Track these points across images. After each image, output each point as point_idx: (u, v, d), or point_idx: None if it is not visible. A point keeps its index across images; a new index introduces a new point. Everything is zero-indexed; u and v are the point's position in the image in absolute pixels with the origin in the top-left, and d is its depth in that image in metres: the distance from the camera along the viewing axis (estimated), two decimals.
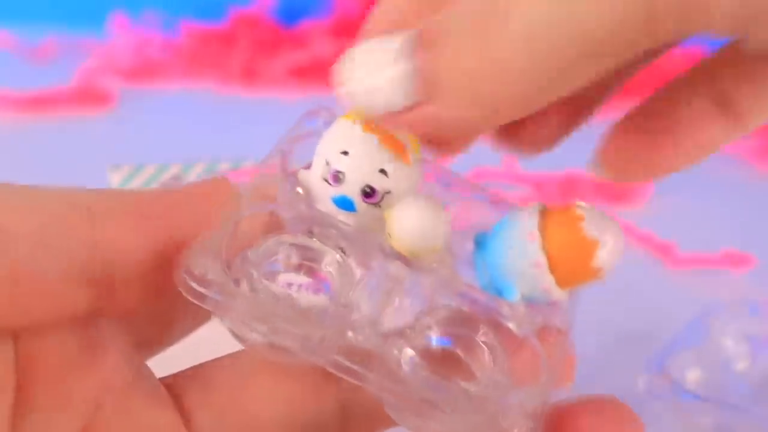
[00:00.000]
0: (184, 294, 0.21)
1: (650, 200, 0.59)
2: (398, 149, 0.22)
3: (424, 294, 0.23)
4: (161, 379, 0.24)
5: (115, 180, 0.49)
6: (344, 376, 0.21)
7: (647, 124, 0.24)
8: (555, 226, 0.22)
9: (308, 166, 0.24)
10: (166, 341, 0.25)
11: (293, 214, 0.23)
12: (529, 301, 0.23)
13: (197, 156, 0.50)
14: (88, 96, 0.66)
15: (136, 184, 0.49)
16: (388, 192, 0.23)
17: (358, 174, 0.22)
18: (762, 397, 0.44)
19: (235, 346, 0.24)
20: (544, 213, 0.23)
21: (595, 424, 0.22)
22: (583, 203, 0.23)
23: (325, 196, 0.23)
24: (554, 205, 0.23)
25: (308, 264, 0.23)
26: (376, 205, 0.23)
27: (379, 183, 0.22)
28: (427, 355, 0.22)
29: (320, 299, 0.22)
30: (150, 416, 0.23)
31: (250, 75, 0.70)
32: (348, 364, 0.21)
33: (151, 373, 0.24)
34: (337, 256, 0.23)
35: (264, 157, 0.24)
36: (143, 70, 0.70)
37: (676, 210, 0.59)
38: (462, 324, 0.23)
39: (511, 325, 0.23)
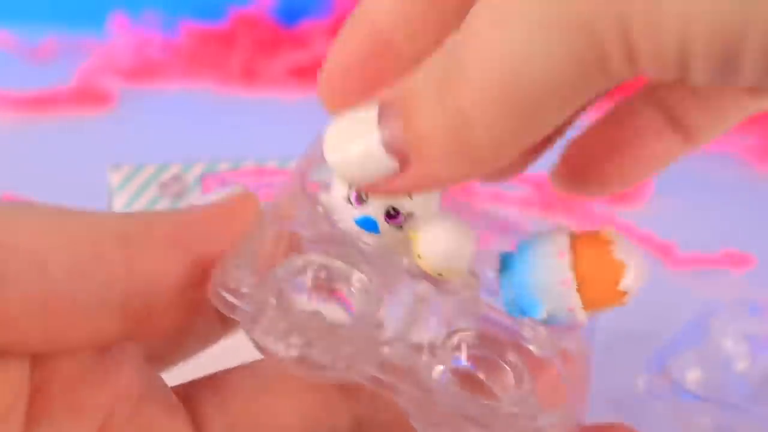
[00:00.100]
0: (218, 307, 0.22)
1: (650, 200, 0.59)
2: None
3: (449, 315, 0.23)
4: (174, 388, 0.24)
5: (115, 180, 0.49)
6: (379, 390, 0.21)
7: (600, 140, 0.25)
8: (585, 247, 0.22)
9: (326, 188, 0.24)
10: (175, 360, 0.25)
11: (315, 234, 0.23)
12: (552, 322, 0.23)
13: (197, 156, 0.50)
14: (88, 96, 0.66)
15: (135, 184, 0.49)
16: (411, 214, 0.23)
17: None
18: (762, 397, 0.44)
19: (249, 358, 0.24)
20: (572, 235, 0.23)
21: None
22: (611, 230, 0.23)
23: (347, 217, 0.23)
24: (581, 230, 0.23)
25: (333, 284, 0.23)
26: (399, 226, 0.23)
27: (402, 204, 0.23)
28: (456, 373, 0.23)
29: (348, 318, 0.23)
30: (162, 425, 0.23)
31: (250, 75, 0.70)
32: (384, 377, 0.21)
33: (163, 383, 0.24)
34: (362, 276, 0.23)
35: (283, 180, 0.25)
36: (143, 70, 0.70)
37: (676, 210, 0.59)
38: (488, 346, 0.23)
39: (532, 348, 0.23)
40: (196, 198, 0.24)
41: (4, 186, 0.55)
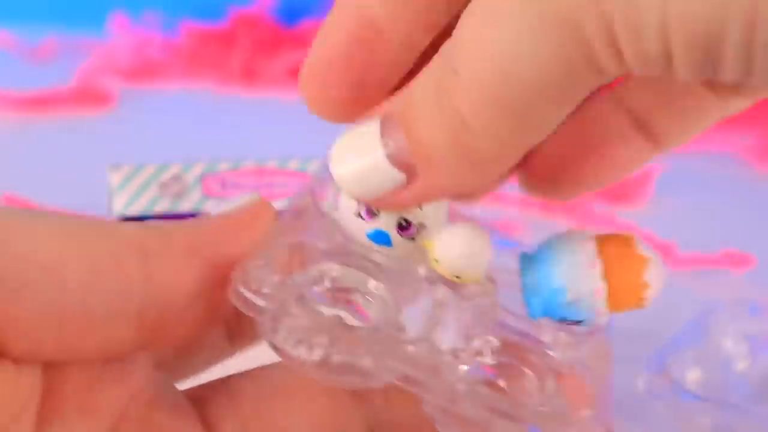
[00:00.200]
0: (239, 307, 0.22)
1: (650, 200, 0.59)
2: None
3: (468, 322, 0.23)
4: (186, 391, 0.24)
5: (115, 180, 0.49)
6: (407, 388, 0.21)
7: (567, 143, 0.24)
8: (613, 254, 0.23)
9: (335, 204, 0.24)
10: (183, 373, 0.25)
11: (330, 246, 0.23)
12: (575, 323, 0.23)
13: (197, 156, 0.50)
14: (88, 96, 0.66)
15: (135, 184, 0.49)
16: (423, 225, 0.23)
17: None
18: (762, 397, 0.44)
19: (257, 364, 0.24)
20: (598, 240, 0.23)
21: None
22: (629, 233, 0.23)
23: (358, 231, 0.23)
24: (601, 233, 0.23)
25: (349, 294, 0.23)
26: (412, 238, 0.23)
27: (414, 216, 0.23)
28: (480, 378, 0.23)
29: (367, 325, 0.23)
30: (173, 428, 0.23)
31: (250, 75, 0.70)
32: (412, 372, 0.21)
33: (174, 386, 0.24)
34: (379, 284, 0.23)
35: (293, 197, 0.25)
36: (143, 70, 0.70)
37: (676, 210, 0.59)
38: (509, 352, 0.23)
39: (553, 353, 0.23)
40: (213, 207, 0.24)
41: (4, 186, 0.55)
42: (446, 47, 0.20)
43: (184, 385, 0.25)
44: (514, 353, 0.23)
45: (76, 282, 0.20)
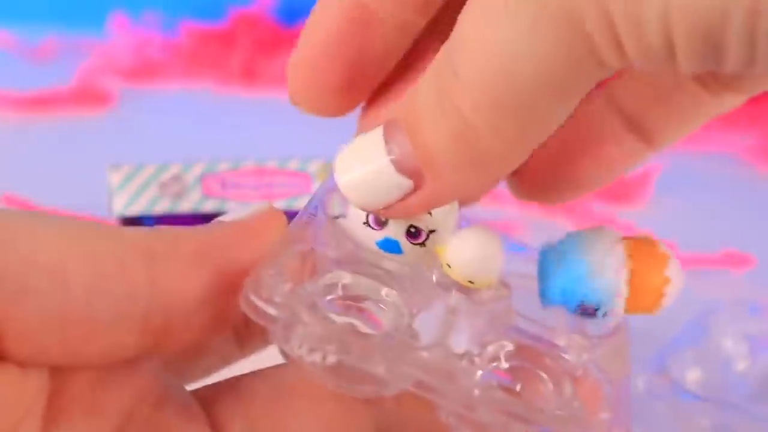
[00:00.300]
0: (249, 315, 0.21)
1: (650, 200, 0.59)
2: None
3: (482, 327, 0.23)
4: (193, 391, 0.24)
5: (115, 180, 0.49)
6: (423, 395, 0.21)
7: (558, 145, 0.24)
8: (640, 259, 0.22)
9: (341, 215, 0.23)
10: (191, 377, 0.25)
11: (340, 254, 0.23)
12: (592, 311, 0.23)
13: (197, 156, 0.50)
14: (88, 96, 0.66)
15: (136, 184, 0.49)
16: (433, 230, 0.23)
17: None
18: (762, 397, 0.44)
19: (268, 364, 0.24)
20: (626, 244, 0.22)
21: None
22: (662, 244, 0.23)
23: (368, 240, 0.23)
24: (632, 236, 0.23)
25: (361, 302, 0.23)
26: (422, 244, 0.23)
27: (423, 222, 0.22)
28: (496, 383, 0.22)
29: (380, 332, 0.22)
30: (180, 428, 0.23)
31: (250, 75, 0.70)
32: (426, 378, 0.21)
33: (182, 386, 0.24)
34: (391, 291, 0.23)
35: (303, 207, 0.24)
36: (143, 70, 0.70)
37: (676, 210, 0.59)
38: (524, 356, 0.23)
39: (568, 357, 0.23)
40: (224, 215, 0.24)
41: (4, 186, 0.55)
42: (446, 48, 0.20)
43: (192, 386, 0.24)
44: (530, 357, 0.23)
45: (79, 285, 0.20)
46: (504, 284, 0.24)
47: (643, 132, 0.24)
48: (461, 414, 0.21)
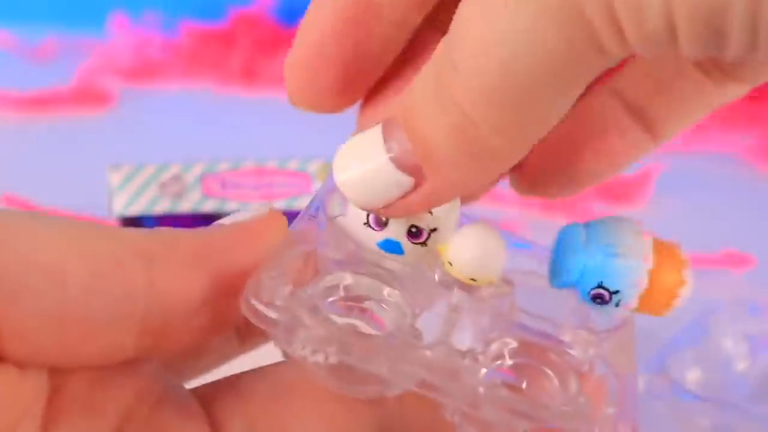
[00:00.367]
0: (250, 318, 0.21)
1: (650, 200, 0.59)
2: None
3: (485, 324, 0.23)
4: (192, 390, 0.24)
5: (115, 180, 0.49)
6: (426, 394, 0.21)
7: (560, 137, 0.24)
8: (664, 258, 0.22)
9: (341, 214, 0.23)
10: (192, 374, 0.25)
11: (342, 255, 0.23)
12: (609, 295, 0.22)
13: (197, 156, 0.50)
14: (88, 96, 0.66)
15: (136, 184, 0.49)
16: (435, 229, 0.22)
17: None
18: (762, 397, 0.44)
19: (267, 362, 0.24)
20: (653, 239, 0.23)
21: None
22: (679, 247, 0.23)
23: (368, 241, 0.23)
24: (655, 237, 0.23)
25: (363, 303, 0.23)
26: (423, 243, 0.22)
27: (424, 221, 0.22)
28: (500, 381, 0.22)
29: (383, 332, 0.22)
30: (180, 427, 0.22)
31: (250, 75, 0.70)
32: (430, 377, 0.21)
33: (180, 385, 0.24)
34: (393, 291, 0.23)
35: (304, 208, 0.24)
36: (143, 70, 0.70)
37: (676, 210, 0.59)
38: (528, 353, 0.23)
39: (574, 352, 0.23)
40: (224, 218, 0.24)
41: (4, 186, 0.55)
42: (444, 42, 0.20)
43: (191, 384, 0.24)
44: (534, 354, 0.23)
45: (77, 285, 0.20)
46: (507, 281, 0.23)
47: (646, 122, 0.24)
48: (466, 412, 0.21)
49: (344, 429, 0.23)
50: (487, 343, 0.23)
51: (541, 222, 0.56)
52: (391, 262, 0.23)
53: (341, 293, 0.23)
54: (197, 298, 0.22)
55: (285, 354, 0.22)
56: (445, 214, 0.22)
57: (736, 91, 0.23)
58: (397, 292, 0.23)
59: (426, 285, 0.23)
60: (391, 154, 0.20)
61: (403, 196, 0.21)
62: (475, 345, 0.22)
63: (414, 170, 0.20)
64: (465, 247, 0.22)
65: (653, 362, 0.42)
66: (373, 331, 0.22)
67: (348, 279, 0.23)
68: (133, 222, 0.49)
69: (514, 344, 0.23)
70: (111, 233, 0.21)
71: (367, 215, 0.22)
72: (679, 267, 0.22)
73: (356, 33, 0.22)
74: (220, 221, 0.23)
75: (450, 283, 0.23)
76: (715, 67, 0.23)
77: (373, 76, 0.23)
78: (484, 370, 0.22)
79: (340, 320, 0.22)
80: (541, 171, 0.24)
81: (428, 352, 0.21)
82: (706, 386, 0.43)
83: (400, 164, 0.20)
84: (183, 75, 0.71)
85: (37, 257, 0.20)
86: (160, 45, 0.72)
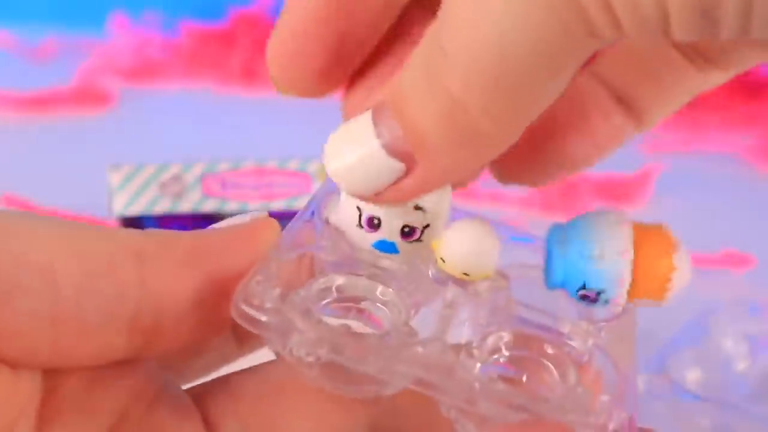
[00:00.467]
0: (240, 323, 0.21)
1: (650, 200, 0.59)
2: None
3: (482, 318, 0.23)
4: (186, 390, 0.24)
5: (115, 180, 0.49)
6: (422, 391, 0.21)
7: (543, 122, 0.23)
8: (647, 245, 0.22)
9: (336, 218, 0.23)
10: (189, 377, 0.25)
11: (336, 257, 0.23)
12: (595, 295, 0.22)
13: (197, 156, 0.50)
14: (88, 96, 0.66)
15: (136, 184, 0.49)
16: (428, 225, 0.22)
17: (393, 216, 0.22)
18: (762, 397, 0.44)
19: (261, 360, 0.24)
20: (635, 228, 0.22)
21: None
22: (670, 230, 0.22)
23: (362, 242, 0.23)
24: (643, 222, 0.23)
25: (359, 302, 0.23)
26: (419, 240, 0.23)
27: (416, 220, 0.22)
28: (496, 375, 0.22)
29: (379, 331, 0.22)
30: (174, 427, 0.22)
31: (250, 75, 0.70)
32: (424, 375, 0.21)
33: (176, 385, 0.24)
34: (388, 290, 0.23)
35: (300, 210, 0.24)
36: (143, 70, 0.70)
37: (676, 210, 0.59)
38: (526, 345, 0.23)
39: (573, 343, 0.23)
40: (220, 222, 0.24)
41: (4, 186, 0.55)
42: (434, 26, 0.19)
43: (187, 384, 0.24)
44: (531, 346, 0.23)
45: (69, 284, 0.20)
46: (502, 275, 0.23)
47: (629, 107, 0.24)
48: (462, 408, 0.21)
49: (337, 427, 0.23)
50: (484, 337, 0.22)
51: (541, 222, 0.56)
52: (385, 260, 0.23)
53: (334, 295, 0.23)
54: (189, 299, 0.22)
55: (278, 356, 0.22)
56: (436, 207, 0.22)
57: (718, 78, 0.23)
58: (391, 290, 0.23)
59: (420, 282, 0.23)
60: (382, 141, 0.20)
61: (395, 183, 0.21)
62: (472, 339, 0.22)
63: (405, 156, 0.20)
64: (456, 242, 0.22)
65: (653, 362, 0.42)
66: (369, 332, 0.22)
67: (340, 280, 0.23)
68: (133, 222, 0.49)
69: (510, 337, 0.23)
70: (103, 233, 0.21)
71: (359, 217, 0.22)
72: (667, 253, 0.22)
73: (340, 14, 0.22)
74: (216, 225, 0.23)
75: (444, 279, 0.23)
76: (698, 53, 0.23)
77: (358, 58, 0.23)
78: (479, 365, 0.22)
79: (336, 322, 0.22)
80: (522, 157, 0.24)
81: (422, 350, 0.21)
82: (706, 386, 0.43)
83: (391, 150, 0.20)
84: (183, 75, 0.71)
85: (29, 257, 0.20)
86: (160, 45, 0.72)
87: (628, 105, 0.24)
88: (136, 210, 0.49)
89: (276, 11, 0.72)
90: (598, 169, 0.64)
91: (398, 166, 0.20)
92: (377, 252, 0.23)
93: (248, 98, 0.69)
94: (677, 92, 0.24)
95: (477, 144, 0.19)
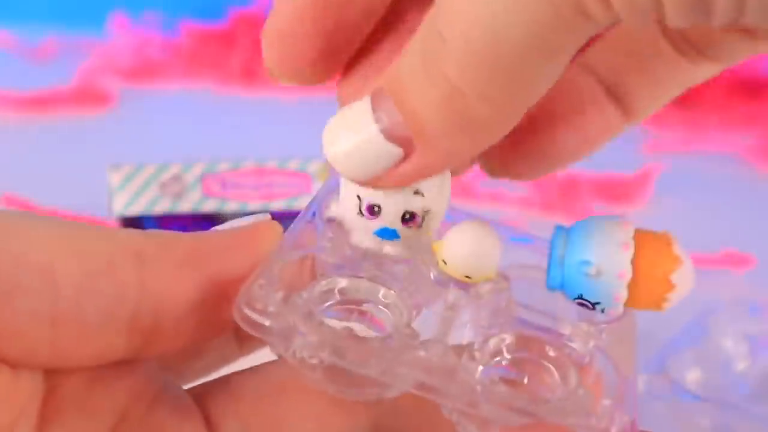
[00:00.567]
0: (242, 326, 0.21)
1: (650, 200, 0.59)
2: None
3: (483, 320, 0.23)
4: (189, 389, 0.24)
5: (115, 180, 0.49)
6: (424, 395, 0.21)
7: (534, 114, 0.23)
8: (647, 243, 0.22)
9: (337, 213, 0.23)
10: (189, 377, 0.25)
11: (338, 259, 0.23)
12: (590, 306, 0.22)
13: (197, 156, 0.50)
14: (88, 96, 0.66)
15: (135, 184, 0.49)
16: (428, 211, 0.22)
17: (393, 202, 0.22)
18: (762, 397, 0.44)
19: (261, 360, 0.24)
20: (638, 231, 0.22)
21: None
22: (673, 236, 0.22)
23: (363, 230, 0.23)
24: (647, 232, 0.23)
25: (361, 305, 0.23)
26: (419, 226, 0.23)
27: (417, 206, 0.22)
28: (498, 377, 0.22)
29: (379, 334, 0.22)
30: (175, 426, 0.23)
31: (249, 75, 0.70)
32: (426, 378, 0.21)
33: (177, 385, 0.24)
34: (390, 292, 0.23)
35: (302, 210, 0.24)
36: (143, 70, 0.70)
37: (676, 210, 0.59)
38: (527, 347, 0.23)
39: (575, 345, 0.23)
40: (224, 224, 0.24)
41: (4, 186, 0.55)
42: (431, 13, 0.19)
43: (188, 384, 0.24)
44: (532, 348, 0.23)
45: (69, 285, 0.20)
46: (503, 276, 0.23)
47: (620, 99, 0.24)
48: (464, 410, 0.21)
49: (338, 427, 0.23)
50: (486, 339, 0.23)
51: (541, 222, 0.56)
52: (388, 263, 0.23)
53: (337, 297, 0.23)
54: (189, 300, 0.22)
55: (281, 357, 0.22)
56: (437, 193, 0.22)
57: (709, 70, 0.23)
58: (393, 292, 0.23)
59: (422, 284, 0.23)
60: (381, 126, 0.20)
61: (394, 168, 0.21)
62: (474, 341, 0.22)
63: (404, 141, 0.20)
64: (458, 244, 0.22)
65: (653, 362, 0.42)
66: (372, 334, 0.22)
67: (342, 283, 0.23)
68: (133, 222, 0.49)
69: (511, 339, 0.23)
70: (104, 233, 0.21)
71: (359, 205, 0.22)
72: (667, 271, 0.22)
73: (335, 1, 0.22)
74: (218, 227, 0.23)
75: (446, 281, 0.23)
76: (690, 45, 0.23)
77: (353, 45, 0.23)
78: (480, 368, 0.22)
79: (339, 324, 0.22)
80: (513, 149, 0.24)
81: (424, 353, 0.21)
82: (706, 386, 0.43)
83: (390, 135, 0.20)
84: (183, 75, 0.71)
85: (29, 257, 0.20)
86: (160, 45, 0.72)
87: (618, 97, 0.24)
88: (136, 210, 0.49)
89: None
90: (598, 169, 0.64)
91: (397, 151, 0.20)
92: (375, 245, 0.23)
93: (248, 98, 0.69)
94: (669, 85, 0.24)
95: (475, 129, 0.20)
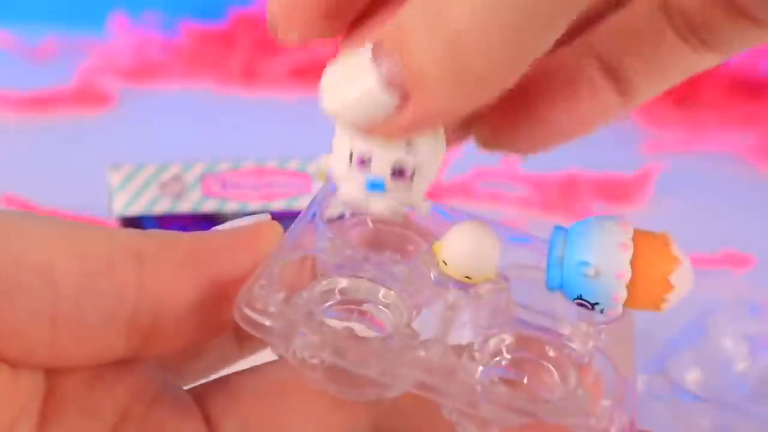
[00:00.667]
0: (243, 326, 0.21)
1: (650, 200, 0.59)
2: None
3: (483, 321, 0.23)
4: (189, 389, 0.24)
5: (115, 180, 0.49)
6: (424, 395, 0.21)
7: (532, 91, 0.23)
8: (646, 244, 0.22)
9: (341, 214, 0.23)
10: (190, 378, 0.25)
11: (339, 259, 0.23)
12: (589, 306, 0.23)
13: (197, 156, 0.50)
14: (88, 96, 0.66)
15: (135, 184, 0.49)
16: (418, 169, 0.22)
17: (384, 154, 0.22)
18: (762, 397, 0.44)
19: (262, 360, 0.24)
20: (637, 232, 0.22)
21: None
22: (671, 237, 0.22)
23: (351, 182, 0.22)
24: (646, 232, 0.23)
25: (361, 305, 0.23)
26: (408, 183, 0.22)
27: (407, 161, 0.22)
28: (497, 377, 0.22)
29: (382, 334, 0.22)
30: (175, 426, 0.23)
31: (250, 75, 0.70)
32: (426, 378, 0.21)
33: (177, 384, 0.24)
34: (390, 292, 0.23)
35: (303, 211, 0.24)
36: (143, 70, 0.70)
37: (676, 210, 0.59)
38: (527, 347, 0.23)
39: (574, 345, 0.23)
40: (224, 224, 0.24)
41: (4, 186, 0.55)
42: None
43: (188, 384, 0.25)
44: (532, 348, 0.23)
45: (68, 284, 0.20)
46: (503, 277, 0.24)
47: (619, 82, 0.24)
48: (464, 410, 0.21)
49: (338, 426, 0.23)
50: (485, 339, 0.23)
51: (541, 222, 0.56)
52: (388, 263, 0.23)
53: (337, 297, 0.23)
54: (188, 300, 0.22)
55: (281, 357, 0.22)
56: (429, 153, 0.22)
57: (711, 60, 0.24)
58: (393, 293, 0.23)
59: (422, 284, 0.23)
60: (380, 75, 0.20)
61: (389, 117, 0.21)
62: (474, 341, 0.22)
63: (401, 91, 0.20)
64: (458, 245, 0.22)
65: (653, 363, 0.42)
66: (372, 334, 0.22)
67: (342, 283, 0.23)
68: (133, 222, 0.49)
69: (511, 339, 0.23)
70: (103, 233, 0.22)
71: (350, 154, 0.22)
72: (666, 272, 0.22)
73: None
74: (219, 227, 0.23)
75: (446, 281, 0.23)
76: (693, 33, 0.23)
77: (356, 5, 0.23)
78: (480, 368, 0.22)
79: (339, 324, 0.22)
80: (506, 121, 0.24)
81: (424, 353, 0.21)
82: (706, 386, 0.43)
83: (389, 84, 0.20)
84: (183, 75, 0.71)
85: (29, 257, 0.20)
86: (160, 45, 0.72)
87: (617, 80, 0.24)
88: (136, 210, 0.49)
89: None
90: (598, 169, 0.64)
91: (393, 101, 0.20)
92: (364, 200, 0.23)
93: (248, 98, 0.69)
94: (669, 71, 0.24)
95: (471, 84, 0.20)
